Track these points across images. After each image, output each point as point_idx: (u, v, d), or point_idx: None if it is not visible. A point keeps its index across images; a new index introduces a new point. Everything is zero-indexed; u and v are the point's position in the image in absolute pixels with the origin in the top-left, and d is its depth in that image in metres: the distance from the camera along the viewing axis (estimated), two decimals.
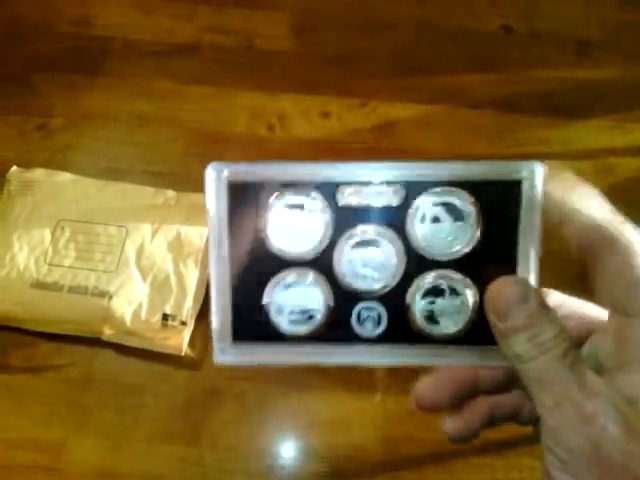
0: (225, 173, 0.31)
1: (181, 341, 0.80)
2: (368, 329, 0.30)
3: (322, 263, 0.31)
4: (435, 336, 0.30)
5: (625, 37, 1.09)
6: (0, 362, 0.82)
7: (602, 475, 0.25)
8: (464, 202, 0.30)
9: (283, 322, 0.31)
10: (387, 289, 0.30)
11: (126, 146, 0.96)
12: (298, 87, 1.02)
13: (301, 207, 0.31)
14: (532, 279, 0.29)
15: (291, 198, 0.31)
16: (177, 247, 0.84)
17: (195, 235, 0.85)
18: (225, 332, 0.31)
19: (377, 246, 0.30)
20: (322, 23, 1.09)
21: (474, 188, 0.30)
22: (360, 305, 0.30)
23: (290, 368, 0.81)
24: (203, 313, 0.83)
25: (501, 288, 0.28)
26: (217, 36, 1.06)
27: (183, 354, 0.80)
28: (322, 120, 1.00)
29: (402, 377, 0.80)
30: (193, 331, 0.81)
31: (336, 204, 0.31)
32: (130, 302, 0.81)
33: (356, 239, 0.30)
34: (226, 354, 0.31)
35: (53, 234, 0.85)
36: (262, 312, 0.31)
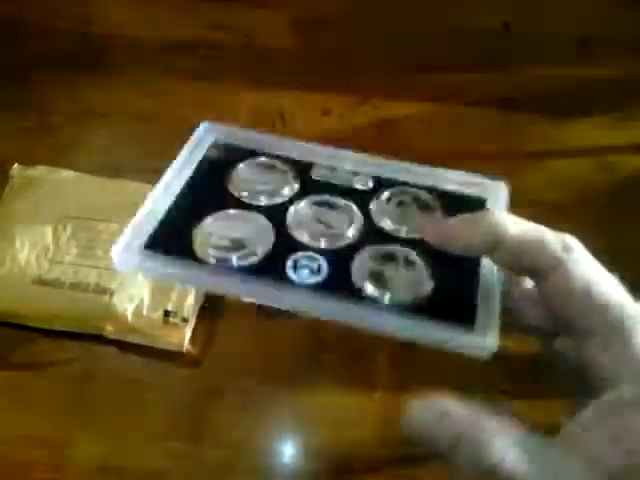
0: (214, 133, 0.33)
1: (182, 338, 0.80)
2: (302, 276, 0.27)
3: (275, 213, 0.30)
4: (377, 299, 0.27)
5: (625, 35, 1.09)
6: (1, 359, 0.82)
7: None
8: (431, 199, 0.31)
9: (205, 244, 0.28)
10: (334, 247, 0.29)
11: (127, 143, 0.96)
12: (299, 84, 1.02)
13: (272, 167, 0.32)
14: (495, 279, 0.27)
15: (264, 159, 0.32)
16: None
17: None
18: (139, 234, 0.28)
19: (335, 210, 0.30)
20: (323, 21, 1.09)
21: (440, 196, 0.31)
22: (300, 254, 0.28)
23: (291, 364, 0.81)
24: (204, 310, 0.83)
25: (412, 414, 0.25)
26: (218, 33, 1.07)
27: (184, 351, 0.80)
28: (323, 117, 1.00)
29: (401, 375, 0.81)
30: (194, 328, 0.82)
31: (309, 177, 0.32)
32: (132, 299, 0.81)
33: (316, 199, 0.31)
34: (129, 257, 0.28)
35: (55, 231, 0.85)
36: (188, 232, 0.29)
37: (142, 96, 1.01)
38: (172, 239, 0.29)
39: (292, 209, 0.30)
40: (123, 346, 0.82)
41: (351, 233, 0.30)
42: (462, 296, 0.27)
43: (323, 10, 1.10)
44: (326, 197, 0.31)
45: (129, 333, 0.81)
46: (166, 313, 0.81)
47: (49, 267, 0.83)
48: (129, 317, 0.80)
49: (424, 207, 0.31)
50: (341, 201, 0.31)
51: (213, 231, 0.29)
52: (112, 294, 0.81)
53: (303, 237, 0.29)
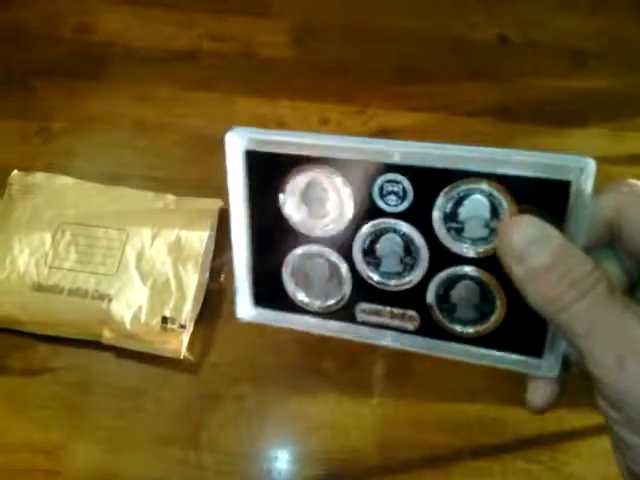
0: (245, 140, 0.30)
1: (180, 344, 0.80)
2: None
3: (340, 244, 0.31)
4: (453, 330, 0.30)
5: (619, 49, 1.10)
6: None
7: None
8: (499, 196, 0.27)
9: (298, 296, 0.32)
10: (409, 286, 0.30)
11: (126, 150, 0.97)
12: (298, 94, 1.03)
13: (322, 184, 0.30)
14: None
15: (312, 174, 0.30)
16: (177, 251, 0.85)
17: (195, 239, 0.86)
18: (246, 293, 0.32)
19: (396, 233, 0.29)
20: (322, 31, 1.10)
21: (511, 182, 0.26)
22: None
23: (289, 371, 0.82)
24: (202, 316, 0.84)
25: (516, 226, 0.24)
26: (217, 43, 1.08)
27: (182, 357, 0.80)
28: (321, 126, 1.01)
29: (398, 381, 0.81)
30: (192, 334, 0.82)
31: (361, 186, 0.29)
32: (130, 305, 0.81)
33: (376, 226, 0.30)
34: (247, 313, 0.33)
35: (54, 237, 0.85)
36: (279, 285, 0.32)
37: (141, 104, 1.01)
38: (270, 294, 0.33)
39: (357, 241, 0.30)
40: (120, 352, 0.82)
41: (419, 259, 0.30)
42: (533, 329, 0.28)
43: (322, 21, 1.11)
44: (385, 222, 0.29)
45: (127, 339, 0.81)
46: (164, 320, 0.81)
47: (48, 273, 0.83)
48: (127, 323, 0.80)
49: (493, 208, 0.27)
50: (401, 225, 0.29)
51: (297, 276, 0.32)
52: (110, 300, 0.81)
53: (374, 276, 0.31)
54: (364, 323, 0.31)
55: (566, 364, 0.28)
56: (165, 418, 0.79)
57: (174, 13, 1.09)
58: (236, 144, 0.30)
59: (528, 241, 0.23)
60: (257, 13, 1.10)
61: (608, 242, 0.26)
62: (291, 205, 0.31)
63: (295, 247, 0.31)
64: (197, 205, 0.88)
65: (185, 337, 0.81)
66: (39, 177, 0.91)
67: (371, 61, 1.08)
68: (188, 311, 0.81)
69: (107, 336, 0.81)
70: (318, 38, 1.10)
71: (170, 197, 0.90)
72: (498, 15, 1.12)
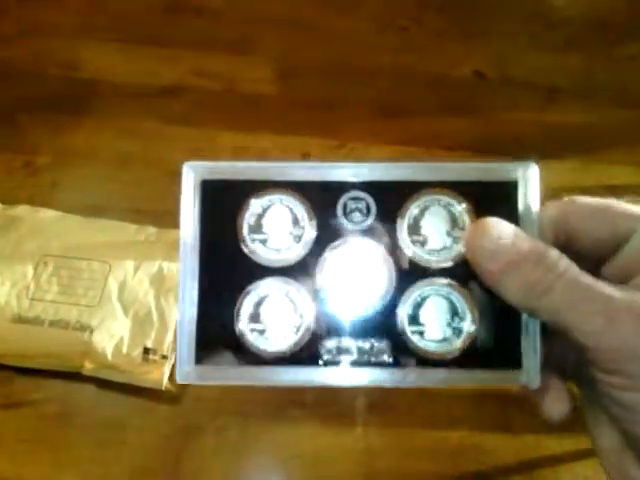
0: (199, 171, 0.29)
1: (162, 375, 0.80)
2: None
3: (304, 271, 0.29)
4: (428, 353, 0.29)
5: (591, 85, 1.14)
6: None
7: None
8: (456, 204, 0.28)
9: (254, 342, 0.29)
10: (378, 309, 0.29)
11: (109, 184, 0.98)
12: (279, 129, 1.05)
13: (283, 207, 0.29)
14: None
15: (271, 198, 0.29)
16: (159, 282, 0.85)
17: (176, 270, 0.86)
18: (188, 355, 0.29)
19: (364, 255, 0.29)
20: (303, 68, 1.13)
21: (466, 190, 0.28)
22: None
23: (271, 401, 0.82)
24: None
25: (482, 227, 0.26)
26: (200, 79, 1.10)
27: (164, 388, 0.80)
28: (303, 160, 1.03)
29: (383, 410, 0.81)
30: (173, 365, 0.82)
31: (320, 206, 0.29)
32: (112, 336, 0.81)
33: (338, 247, 0.29)
34: (188, 376, 0.29)
35: (36, 269, 0.85)
36: (231, 331, 0.29)
37: (125, 139, 1.03)
38: (218, 348, 0.29)
39: (321, 266, 0.28)
40: (102, 384, 0.81)
41: (386, 284, 0.28)
42: (507, 340, 0.28)
43: (304, 59, 1.14)
44: (344, 245, 0.29)
45: (108, 370, 0.80)
46: (146, 350, 0.81)
47: (29, 305, 0.83)
48: (109, 354, 0.80)
49: (452, 217, 0.29)
50: (365, 242, 0.29)
51: (252, 319, 0.29)
52: (92, 331, 0.81)
53: (339, 301, 0.29)
54: (330, 363, 0.29)
55: (561, 375, 0.29)
56: (147, 450, 0.79)
57: (158, 49, 1.12)
58: (192, 175, 0.30)
59: (497, 239, 0.25)
60: (240, 50, 1.12)
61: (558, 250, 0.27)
62: (248, 233, 0.29)
63: (252, 282, 0.29)
64: (177, 236, 0.89)
65: (167, 368, 0.81)
66: (22, 210, 0.92)
67: (351, 97, 1.10)
68: (170, 342, 0.81)
69: (88, 367, 0.80)
70: (300, 74, 1.12)
71: (151, 229, 0.91)
72: (474, 52, 1.16)
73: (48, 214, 0.92)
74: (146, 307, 0.83)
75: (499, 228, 0.26)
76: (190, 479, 0.77)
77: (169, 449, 0.79)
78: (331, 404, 0.82)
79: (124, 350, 0.80)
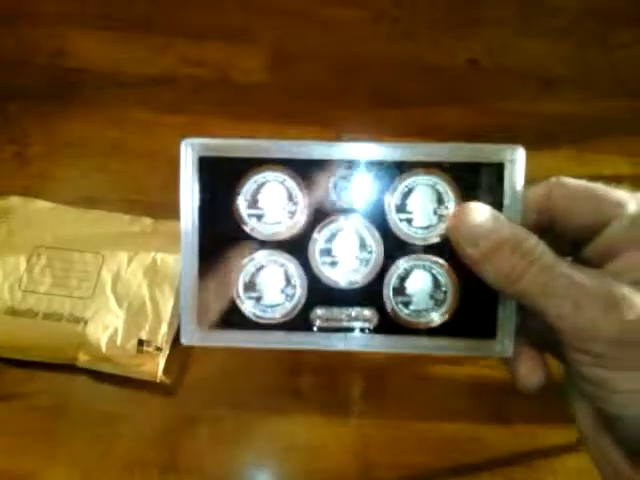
0: (196, 147, 0.31)
1: (156, 367, 0.80)
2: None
3: (297, 246, 0.30)
4: (410, 323, 0.30)
5: (585, 74, 1.13)
6: None
7: None
8: (443, 184, 0.30)
9: (251, 309, 0.31)
10: (366, 281, 0.31)
11: (102, 174, 0.97)
12: (273, 118, 1.04)
13: (278, 184, 0.30)
14: None
15: (266, 175, 0.30)
16: (153, 274, 0.85)
17: (171, 262, 0.86)
18: (191, 319, 0.31)
19: (351, 234, 0.30)
20: (297, 57, 1.12)
21: (453, 170, 0.30)
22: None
23: (266, 392, 0.82)
24: (178, 339, 0.83)
25: (465, 213, 0.28)
26: (193, 68, 1.09)
27: (158, 380, 0.80)
28: None
29: (376, 401, 0.81)
30: (168, 357, 0.82)
31: (313, 183, 0.30)
32: (105, 328, 0.81)
33: (328, 225, 0.30)
34: (192, 338, 0.31)
35: (28, 261, 0.85)
36: (230, 298, 0.31)
37: (117, 128, 1.02)
38: (220, 312, 0.31)
39: (314, 241, 0.30)
40: (96, 376, 0.81)
41: (374, 258, 0.30)
42: (484, 311, 0.30)
43: (298, 47, 1.13)
44: (336, 222, 0.31)
45: (102, 362, 0.80)
46: (140, 342, 0.81)
47: (22, 297, 0.82)
48: (103, 346, 0.80)
49: (439, 201, 0.30)
50: (356, 221, 0.30)
51: (249, 288, 0.31)
52: (86, 323, 0.81)
53: (329, 273, 0.31)
54: (321, 329, 0.31)
55: (540, 348, 0.31)
56: (142, 442, 0.78)
57: (150, 38, 1.10)
58: (190, 151, 0.31)
59: (478, 225, 0.27)
60: (233, 38, 1.11)
61: (542, 231, 0.28)
62: (245, 209, 0.30)
63: (248, 255, 0.31)
64: (174, 228, 0.88)
65: (161, 360, 0.80)
66: (14, 201, 0.91)
67: (346, 86, 1.10)
68: (164, 334, 0.81)
69: (82, 359, 0.80)
70: (294, 63, 1.11)
71: (147, 220, 0.90)
72: (468, 41, 1.15)
73: (40, 205, 0.91)
74: (140, 299, 0.83)
75: (480, 214, 0.27)
76: (185, 471, 0.77)
77: (164, 441, 0.79)
78: (327, 395, 0.82)
79: (118, 342, 0.80)
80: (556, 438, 0.78)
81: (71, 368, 0.80)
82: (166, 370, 0.81)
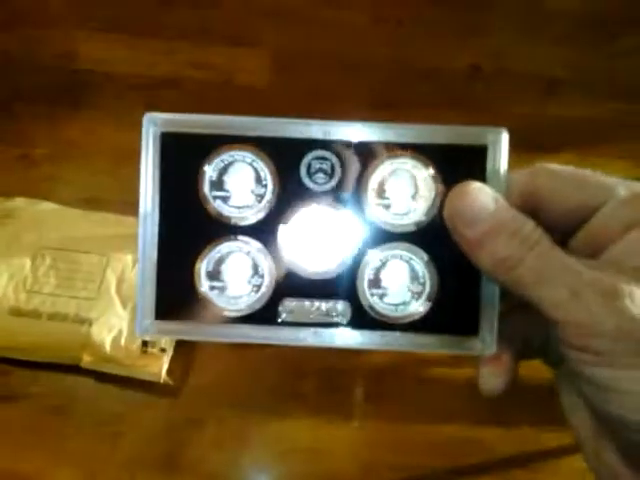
0: (158, 123, 0.28)
1: (160, 368, 0.80)
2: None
3: (266, 231, 0.28)
4: (387, 318, 0.28)
5: (587, 78, 1.14)
6: None
7: None
8: (422, 168, 0.28)
9: (214, 299, 0.28)
10: (340, 271, 0.28)
11: (107, 176, 0.97)
12: None
13: (246, 165, 0.28)
14: None
15: (233, 153, 0.28)
16: None
17: None
18: (148, 308, 0.28)
19: (324, 219, 0.28)
20: (300, 60, 1.12)
21: (433, 153, 0.28)
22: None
23: (269, 393, 0.82)
24: (182, 340, 0.84)
25: (465, 192, 0.26)
26: (198, 71, 1.09)
27: (162, 381, 0.80)
28: None
29: (378, 403, 0.82)
30: (172, 358, 0.82)
31: (284, 165, 0.28)
32: (110, 329, 0.81)
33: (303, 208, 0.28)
34: (147, 330, 0.28)
35: (33, 262, 0.85)
36: (191, 288, 0.28)
37: (122, 131, 1.01)
38: (178, 304, 0.28)
39: (285, 226, 0.28)
40: (100, 377, 0.82)
41: (352, 249, 0.28)
42: (466, 307, 0.28)
43: (301, 51, 1.14)
44: (308, 206, 0.28)
45: (107, 363, 0.81)
46: (144, 343, 0.81)
47: (27, 298, 0.83)
48: (107, 347, 0.80)
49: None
50: (330, 205, 0.28)
51: (210, 278, 0.28)
52: (91, 324, 0.81)
53: (300, 262, 0.28)
54: (289, 324, 0.28)
55: (523, 354, 0.29)
56: (146, 442, 0.79)
57: (156, 42, 1.11)
58: (152, 126, 0.28)
59: (478, 206, 0.25)
60: (237, 42, 1.12)
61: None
62: (210, 190, 0.28)
63: (212, 239, 0.28)
64: None
65: (165, 361, 0.81)
66: (20, 202, 0.92)
67: (347, 89, 1.10)
68: None
69: (87, 360, 0.80)
70: (296, 66, 1.12)
71: None
72: (470, 45, 1.16)
73: (46, 206, 0.92)
74: None
75: (482, 194, 0.25)
76: (188, 471, 0.77)
77: (168, 441, 0.79)
78: (329, 397, 0.82)
79: (122, 343, 0.81)
80: (556, 440, 0.78)
81: (75, 369, 0.81)
82: (170, 371, 0.81)
